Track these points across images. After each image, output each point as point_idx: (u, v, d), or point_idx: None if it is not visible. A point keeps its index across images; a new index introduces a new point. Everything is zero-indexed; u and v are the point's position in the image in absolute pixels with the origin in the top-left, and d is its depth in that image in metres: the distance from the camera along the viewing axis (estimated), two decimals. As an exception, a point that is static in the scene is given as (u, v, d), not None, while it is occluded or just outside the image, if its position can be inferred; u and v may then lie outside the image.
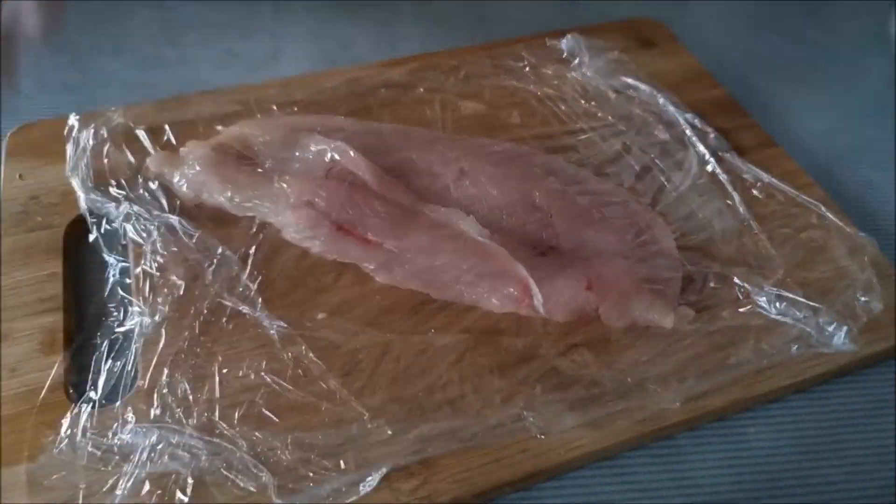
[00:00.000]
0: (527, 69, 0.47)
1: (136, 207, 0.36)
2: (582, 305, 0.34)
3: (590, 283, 0.34)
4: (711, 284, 0.36)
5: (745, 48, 0.55)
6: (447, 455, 0.30)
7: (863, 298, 0.35)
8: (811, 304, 0.35)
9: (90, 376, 0.31)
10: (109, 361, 0.32)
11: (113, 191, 0.37)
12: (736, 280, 0.36)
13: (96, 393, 0.31)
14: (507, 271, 0.35)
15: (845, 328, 0.34)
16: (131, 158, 0.39)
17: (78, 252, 0.37)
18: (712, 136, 0.42)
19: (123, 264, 0.35)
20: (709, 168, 0.41)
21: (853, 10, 0.59)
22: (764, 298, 0.35)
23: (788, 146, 0.44)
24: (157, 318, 0.33)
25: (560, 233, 0.37)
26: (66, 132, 0.39)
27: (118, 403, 0.30)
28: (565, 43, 0.48)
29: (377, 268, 0.35)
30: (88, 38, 0.51)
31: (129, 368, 0.31)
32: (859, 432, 0.33)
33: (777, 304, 0.35)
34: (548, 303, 0.34)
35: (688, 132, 0.42)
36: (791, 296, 0.35)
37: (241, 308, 0.33)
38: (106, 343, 0.33)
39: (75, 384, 0.32)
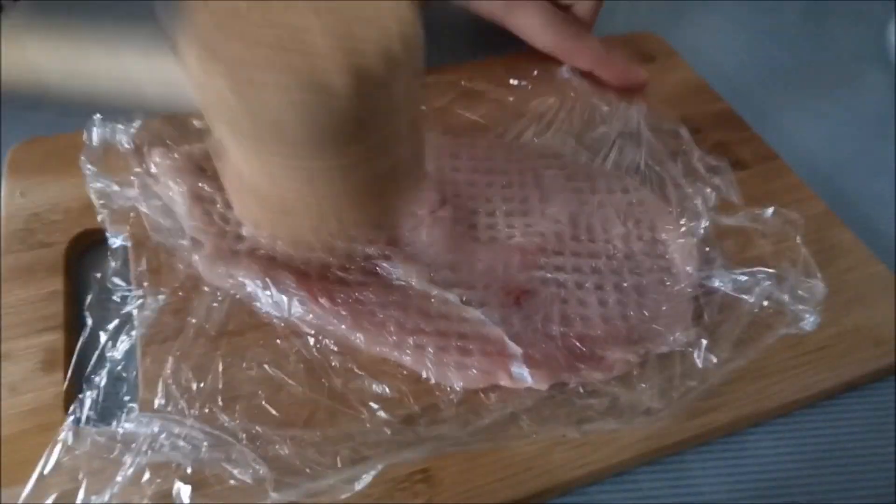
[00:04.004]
0: (529, 87, 0.47)
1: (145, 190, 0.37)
2: (573, 366, 0.32)
3: (582, 339, 0.32)
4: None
5: (744, 60, 0.55)
6: (451, 474, 0.29)
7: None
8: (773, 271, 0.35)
9: (92, 369, 0.32)
10: (111, 350, 0.32)
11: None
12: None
13: (98, 388, 0.31)
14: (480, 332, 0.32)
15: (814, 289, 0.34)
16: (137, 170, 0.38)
17: (79, 268, 0.37)
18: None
19: (124, 244, 0.36)
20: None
21: (851, 19, 0.59)
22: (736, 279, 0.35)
23: (788, 157, 0.44)
24: (161, 301, 0.33)
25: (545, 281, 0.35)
26: (84, 136, 0.38)
27: (122, 392, 0.31)
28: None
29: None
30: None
31: (136, 355, 0.32)
32: (862, 445, 0.33)
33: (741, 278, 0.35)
34: (534, 371, 0.31)
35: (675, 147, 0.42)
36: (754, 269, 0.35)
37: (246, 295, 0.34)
38: (106, 336, 0.33)
39: (78, 400, 0.31)
